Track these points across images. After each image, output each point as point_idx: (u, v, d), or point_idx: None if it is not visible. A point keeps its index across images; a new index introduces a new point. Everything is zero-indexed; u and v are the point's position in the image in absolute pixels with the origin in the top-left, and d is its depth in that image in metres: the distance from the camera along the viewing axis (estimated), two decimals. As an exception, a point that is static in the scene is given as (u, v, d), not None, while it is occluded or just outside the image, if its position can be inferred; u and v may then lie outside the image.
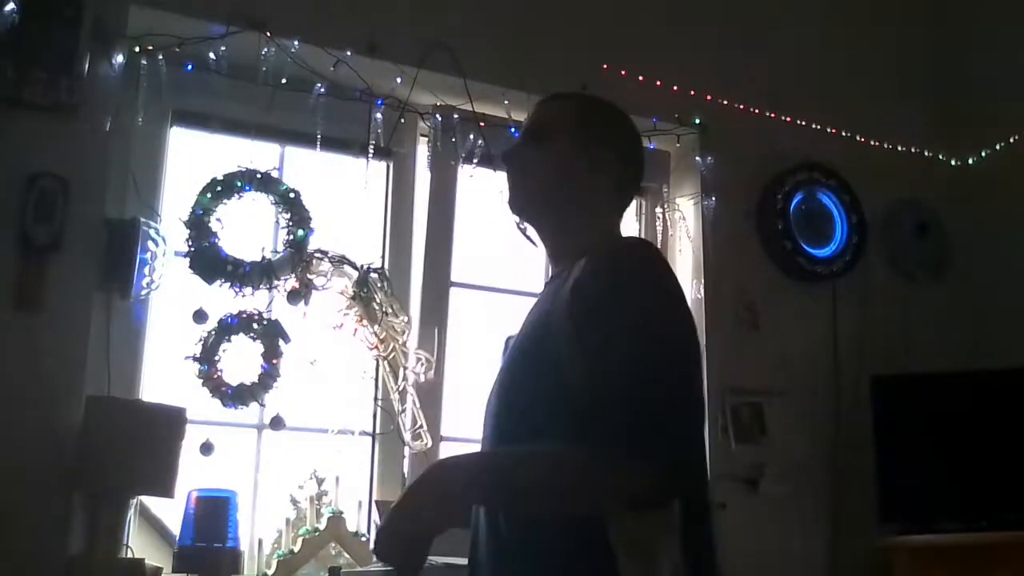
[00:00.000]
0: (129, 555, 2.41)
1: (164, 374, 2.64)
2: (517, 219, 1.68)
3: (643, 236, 3.28)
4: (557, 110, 1.63)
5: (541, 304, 1.52)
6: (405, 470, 2.84)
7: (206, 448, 2.54)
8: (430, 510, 1.33)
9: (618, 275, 1.36)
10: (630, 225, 3.34)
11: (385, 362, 2.78)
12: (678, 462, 1.28)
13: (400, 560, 1.36)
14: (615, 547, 1.26)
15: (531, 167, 1.59)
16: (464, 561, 1.53)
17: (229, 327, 2.58)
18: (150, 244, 2.55)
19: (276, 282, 2.63)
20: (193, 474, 2.50)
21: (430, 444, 2.78)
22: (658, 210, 3.24)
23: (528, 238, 1.69)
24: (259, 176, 2.65)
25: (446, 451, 2.85)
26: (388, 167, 3.05)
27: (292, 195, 2.68)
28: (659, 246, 3.19)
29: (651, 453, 1.25)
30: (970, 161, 3.70)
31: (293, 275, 2.65)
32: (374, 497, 2.81)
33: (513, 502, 1.38)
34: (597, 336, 1.32)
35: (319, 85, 2.76)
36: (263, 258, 2.62)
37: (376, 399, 2.84)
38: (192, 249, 2.56)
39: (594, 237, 1.53)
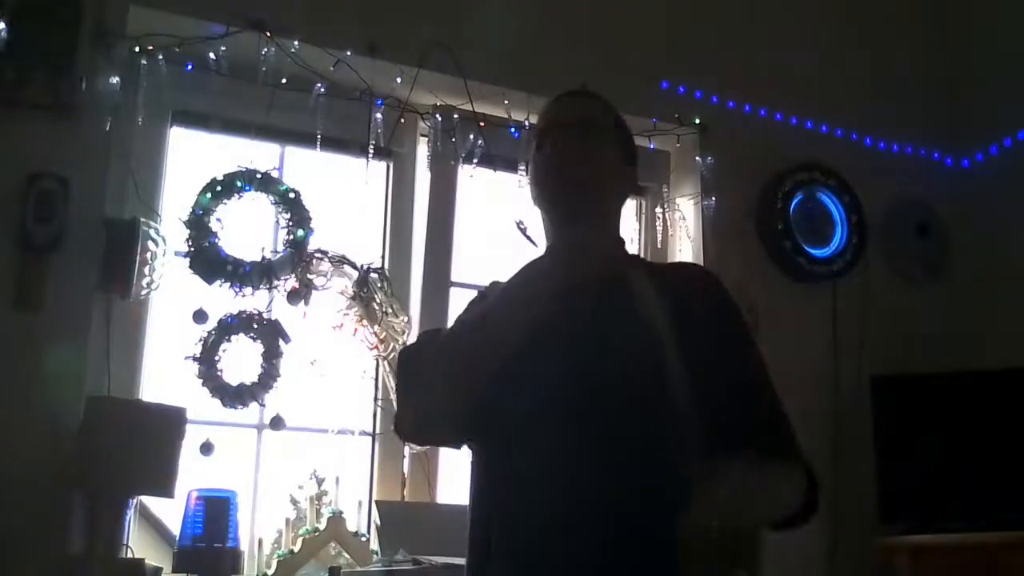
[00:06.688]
0: (129, 555, 2.41)
1: (164, 374, 2.64)
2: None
3: (643, 236, 3.29)
4: (601, 110, 1.65)
5: (615, 308, 1.50)
6: (405, 470, 2.85)
7: (206, 448, 2.54)
8: None
9: (739, 314, 1.56)
10: (630, 225, 3.34)
11: (385, 362, 2.78)
12: None
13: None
14: None
15: (594, 154, 1.59)
16: (462, 561, 1.53)
17: (229, 327, 2.58)
18: (150, 244, 2.55)
19: (276, 282, 2.63)
20: (193, 474, 2.50)
21: (430, 444, 2.78)
22: (658, 210, 3.23)
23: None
24: (259, 176, 2.65)
25: (446, 451, 2.84)
26: (388, 167, 3.05)
27: (292, 195, 2.68)
28: (659, 246, 3.20)
29: None
30: (970, 161, 3.70)
31: (293, 275, 2.65)
32: (374, 497, 2.80)
33: None
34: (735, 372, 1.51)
35: (319, 85, 2.76)
36: (263, 258, 2.62)
37: (376, 399, 2.84)
38: (192, 249, 2.56)
39: (620, 243, 1.64)
